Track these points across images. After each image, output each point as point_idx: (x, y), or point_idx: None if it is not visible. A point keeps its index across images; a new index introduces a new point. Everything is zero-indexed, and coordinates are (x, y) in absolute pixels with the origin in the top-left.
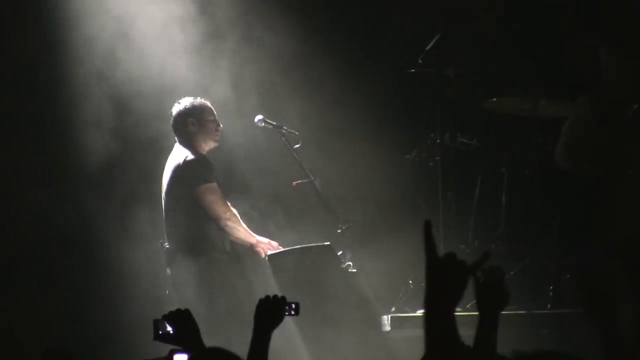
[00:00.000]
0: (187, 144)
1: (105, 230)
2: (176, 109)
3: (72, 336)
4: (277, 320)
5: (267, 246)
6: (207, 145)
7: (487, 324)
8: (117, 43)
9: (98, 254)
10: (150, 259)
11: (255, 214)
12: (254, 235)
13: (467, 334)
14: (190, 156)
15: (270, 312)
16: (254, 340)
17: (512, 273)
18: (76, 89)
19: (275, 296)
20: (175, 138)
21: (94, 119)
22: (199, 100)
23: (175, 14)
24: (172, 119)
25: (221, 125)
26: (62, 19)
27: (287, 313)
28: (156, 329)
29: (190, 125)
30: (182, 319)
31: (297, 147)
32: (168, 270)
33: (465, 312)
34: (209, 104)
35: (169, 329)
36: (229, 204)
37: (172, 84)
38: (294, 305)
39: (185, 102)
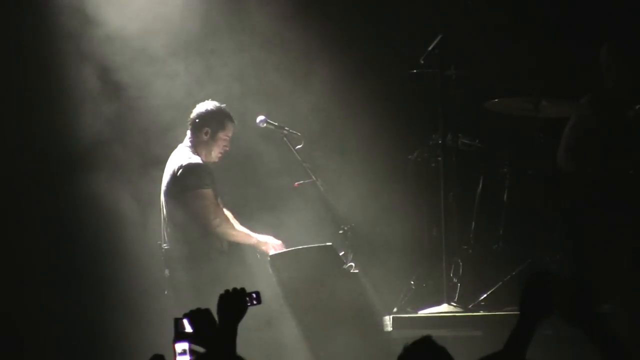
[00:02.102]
0: (192, 147)
1: (104, 230)
2: (201, 109)
3: (71, 336)
4: (240, 312)
5: (267, 247)
6: (208, 158)
7: (521, 327)
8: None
9: (96, 254)
10: (149, 259)
11: (257, 215)
12: (253, 235)
13: (469, 335)
14: (189, 160)
15: (233, 305)
16: (220, 335)
17: (514, 273)
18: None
19: (234, 289)
20: (187, 132)
21: (87, 104)
22: (226, 114)
23: (178, 9)
24: (192, 115)
25: (228, 148)
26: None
27: (249, 304)
28: (177, 328)
29: (203, 135)
30: (203, 318)
31: (299, 148)
32: (166, 271)
33: (467, 313)
34: (232, 122)
35: (189, 327)
36: (224, 209)
37: (171, 79)
38: (254, 295)
39: (211, 109)
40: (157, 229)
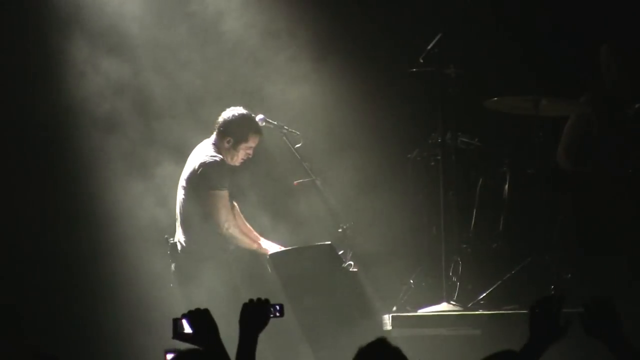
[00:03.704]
0: (215, 147)
1: (106, 225)
2: (227, 116)
3: (67, 335)
4: (262, 323)
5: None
6: (229, 162)
7: (528, 350)
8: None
9: (97, 251)
10: (153, 254)
11: (257, 214)
12: (257, 241)
13: (468, 334)
14: (210, 159)
15: (255, 315)
16: (241, 344)
17: (513, 272)
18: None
19: (259, 299)
20: (214, 132)
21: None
22: (251, 127)
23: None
24: (219, 120)
25: (251, 156)
26: None
27: (272, 315)
28: (175, 328)
29: (226, 142)
30: (201, 318)
31: (298, 147)
32: (172, 266)
33: (466, 312)
34: (257, 134)
35: (188, 328)
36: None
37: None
38: (278, 307)
39: (236, 118)
40: (163, 224)
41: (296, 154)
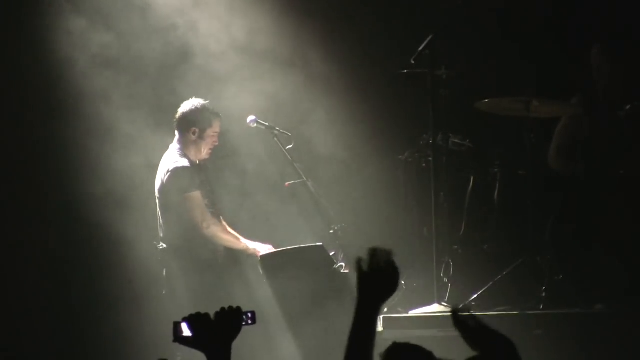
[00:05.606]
0: (180, 147)
1: (101, 230)
2: (186, 108)
3: (67, 338)
4: (235, 331)
5: (256, 253)
6: (197, 157)
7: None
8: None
9: (93, 255)
10: (147, 259)
11: (248, 215)
12: (242, 241)
13: (460, 335)
14: (175, 165)
15: (228, 324)
16: (214, 354)
17: (504, 273)
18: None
19: (230, 307)
20: (175, 132)
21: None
22: (212, 112)
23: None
24: (178, 115)
25: (217, 143)
26: None
27: (244, 323)
28: (176, 332)
29: (191, 134)
30: (202, 322)
31: (289, 148)
32: (164, 271)
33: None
34: (219, 118)
35: (188, 331)
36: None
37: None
38: (250, 315)
39: (196, 108)
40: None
41: (287, 155)
